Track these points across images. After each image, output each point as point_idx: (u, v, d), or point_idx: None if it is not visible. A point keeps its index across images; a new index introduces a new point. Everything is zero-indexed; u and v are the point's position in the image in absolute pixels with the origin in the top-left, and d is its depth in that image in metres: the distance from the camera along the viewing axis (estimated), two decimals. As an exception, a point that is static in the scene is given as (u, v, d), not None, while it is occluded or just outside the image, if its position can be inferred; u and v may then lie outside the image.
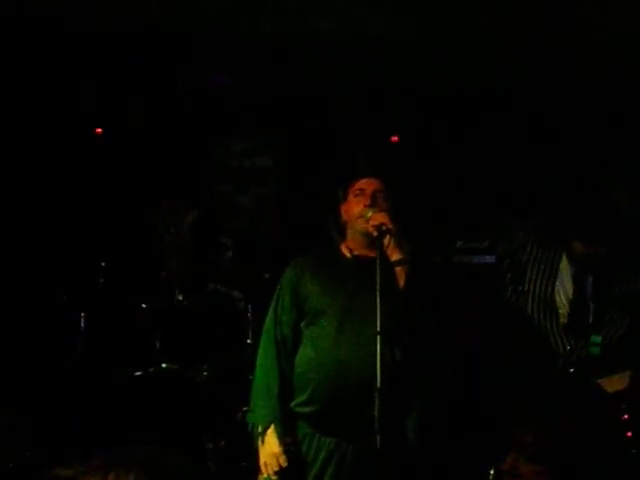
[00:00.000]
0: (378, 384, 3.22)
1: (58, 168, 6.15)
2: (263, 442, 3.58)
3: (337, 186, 3.82)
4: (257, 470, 3.60)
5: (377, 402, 3.20)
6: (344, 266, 3.71)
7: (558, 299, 4.28)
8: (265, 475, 3.56)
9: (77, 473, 1.61)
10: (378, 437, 3.17)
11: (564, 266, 4.29)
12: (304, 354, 3.63)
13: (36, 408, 4.92)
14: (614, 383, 3.86)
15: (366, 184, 3.70)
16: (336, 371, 3.52)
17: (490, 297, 4.68)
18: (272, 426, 3.57)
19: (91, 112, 6.22)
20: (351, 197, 3.72)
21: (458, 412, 3.97)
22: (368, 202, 3.63)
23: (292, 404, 3.62)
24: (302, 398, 3.60)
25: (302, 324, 3.67)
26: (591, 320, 4.24)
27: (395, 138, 6.35)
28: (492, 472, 2.70)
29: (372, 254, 3.53)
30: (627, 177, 5.57)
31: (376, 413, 3.19)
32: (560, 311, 4.28)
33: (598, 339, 4.12)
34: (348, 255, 3.73)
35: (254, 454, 3.63)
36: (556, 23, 5.20)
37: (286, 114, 6.51)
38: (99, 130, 6.21)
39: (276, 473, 3.54)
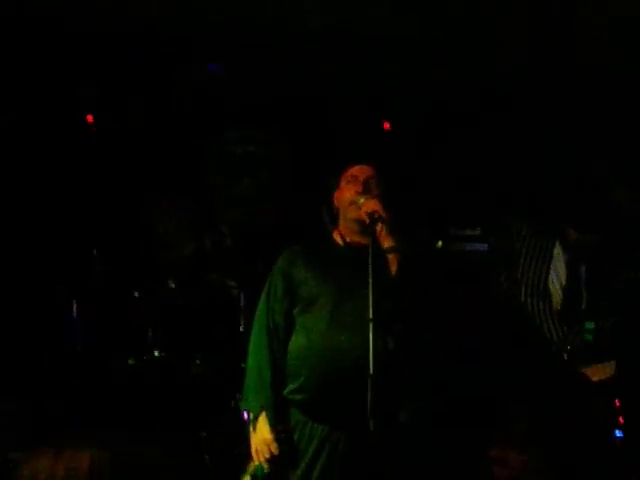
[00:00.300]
0: (371, 371, 3.21)
1: (58, 164, 6.19)
2: (255, 429, 3.58)
3: (330, 173, 3.81)
4: (249, 457, 3.59)
5: (370, 389, 3.19)
6: (337, 254, 3.70)
7: (552, 286, 4.27)
8: (257, 462, 3.56)
9: (29, 455, 1.60)
10: (371, 422, 3.16)
11: (558, 253, 4.28)
12: (297, 342, 3.62)
13: (32, 397, 4.93)
14: (599, 372, 3.85)
15: (358, 171, 3.69)
16: (329, 358, 3.51)
17: (483, 285, 4.67)
18: (264, 413, 3.56)
19: (91, 110, 6.25)
20: (343, 184, 3.71)
21: (452, 399, 3.96)
22: (360, 189, 3.62)
23: (285, 391, 3.60)
24: (295, 385, 3.59)
25: (295, 312, 3.66)
26: (584, 307, 4.23)
27: (387, 125, 6.35)
28: None
29: (365, 241, 3.53)
30: (627, 177, 5.56)
31: (369, 399, 3.18)
32: (553, 298, 4.27)
33: (591, 326, 4.10)
34: (341, 243, 3.72)
35: (247, 441, 3.63)
36: (556, 23, 5.22)
37: (284, 106, 6.51)
38: (90, 118, 6.21)
39: (267, 460, 3.54)
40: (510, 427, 2.53)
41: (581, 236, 4.18)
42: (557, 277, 4.27)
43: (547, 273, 4.27)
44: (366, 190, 3.61)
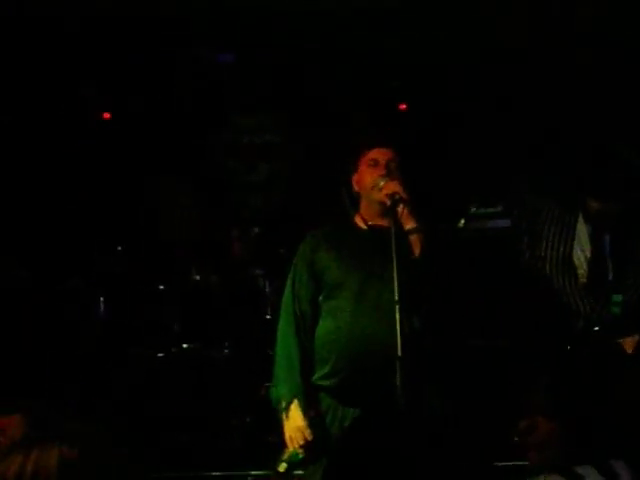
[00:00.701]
0: (399, 353, 3.22)
1: (64, 162, 6.19)
2: (287, 417, 3.57)
3: (347, 157, 3.80)
4: (283, 445, 3.60)
5: (399, 371, 3.20)
6: (359, 237, 3.70)
7: (576, 260, 4.23)
8: (291, 449, 3.56)
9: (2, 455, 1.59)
10: (401, 404, 3.16)
11: (581, 226, 4.24)
12: (324, 327, 3.63)
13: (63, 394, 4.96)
14: (633, 344, 3.84)
15: (378, 154, 3.67)
16: (356, 342, 3.51)
17: (506, 261, 4.65)
18: (295, 400, 3.56)
19: (93, 104, 6.26)
20: (364, 168, 3.68)
21: (479, 378, 3.96)
22: (383, 172, 3.61)
23: (314, 377, 3.61)
24: (324, 371, 3.59)
25: (320, 298, 3.67)
26: (611, 279, 4.20)
27: (403, 106, 6.33)
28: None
29: (387, 224, 3.51)
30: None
31: (398, 382, 3.19)
32: (579, 271, 4.23)
33: (619, 298, 4.07)
34: (362, 226, 3.72)
35: (279, 429, 3.63)
36: (556, 23, 5.22)
37: (288, 90, 6.49)
38: (107, 115, 6.22)
39: (302, 446, 3.55)
40: (538, 398, 2.54)
41: (603, 206, 4.14)
42: (581, 250, 4.22)
43: (571, 247, 4.23)
44: (388, 173, 3.59)
